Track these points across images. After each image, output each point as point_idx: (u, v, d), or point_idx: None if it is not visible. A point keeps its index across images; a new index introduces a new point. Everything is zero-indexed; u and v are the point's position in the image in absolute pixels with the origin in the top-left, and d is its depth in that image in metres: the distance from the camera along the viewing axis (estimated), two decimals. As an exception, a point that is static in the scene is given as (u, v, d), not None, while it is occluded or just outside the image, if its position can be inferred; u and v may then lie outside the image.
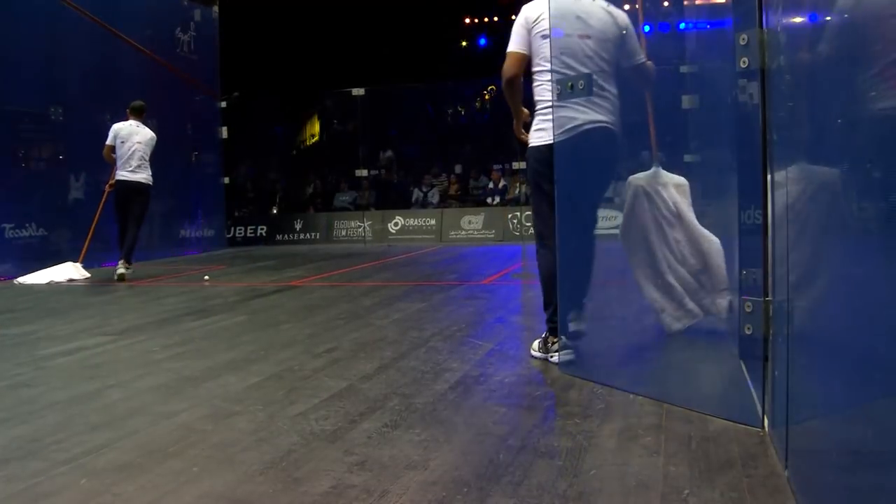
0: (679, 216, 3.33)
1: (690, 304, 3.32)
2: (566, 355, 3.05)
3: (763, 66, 2.15)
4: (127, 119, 7.50)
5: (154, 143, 7.51)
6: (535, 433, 2.25)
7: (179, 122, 10.62)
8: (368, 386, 2.84)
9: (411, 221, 12.42)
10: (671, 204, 3.32)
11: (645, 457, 2.01)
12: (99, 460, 2.12)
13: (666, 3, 4.20)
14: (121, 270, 7.15)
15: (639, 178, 3.35)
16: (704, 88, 3.56)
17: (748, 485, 1.80)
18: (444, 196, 13.69)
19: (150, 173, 7.48)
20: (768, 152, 2.15)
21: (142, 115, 7.56)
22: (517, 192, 12.45)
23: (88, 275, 7.49)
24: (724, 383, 2.76)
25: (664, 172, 3.36)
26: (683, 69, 3.88)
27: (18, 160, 8.49)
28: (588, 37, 3.01)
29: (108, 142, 7.40)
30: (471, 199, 13.52)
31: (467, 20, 17.70)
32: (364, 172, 13.10)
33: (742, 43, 2.19)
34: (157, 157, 7.67)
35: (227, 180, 11.91)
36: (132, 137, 7.38)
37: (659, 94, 3.56)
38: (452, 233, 12.07)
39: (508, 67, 3.19)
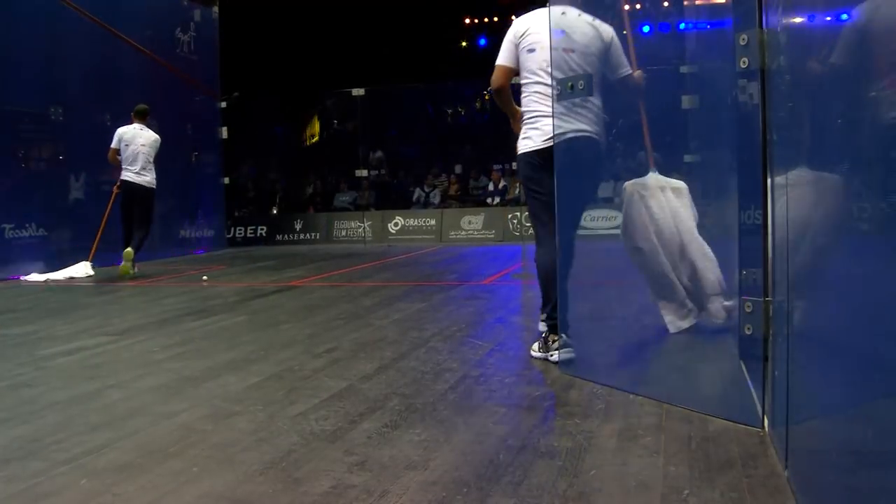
0: (674, 219, 3.35)
1: (691, 304, 3.34)
2: (566, 353, 3.07)
3: (763, 66, 2.15)
4: (131, 122, 7.67)
5: (158, 144, 7.68)
6: (535, 433, 2.25)
7: (179, 123, 10.61)
8: (368, 386, 2.84)
9: (411, 221, 12.42)
10: (666, 208, 3.35)
11: (645, 457, 2.01)
12: (99, 460, 2.12)
13: (666, 3, 4.20)
14: (133, 271, 7.37)
15: (634, 182, 3.42)
16: (704, 88, 3.56)
17: (748, 485, 1.80)
18: (444, 196, 13.69)
19: (155, 176, 7.64)
20: (768, 152, 2.15)
21: (146, 119, 7.72)
22: (517, 192, 12.45)
23: (92, 273, 7.63)
24: (724, 383, 2.76)
25: (661, 177, 3.40)
26: (683, 69, 3.88)
27: (18, 160, 8.49)
28: (572, 50, 3.14)
29: (113, 145, 7.59)
30: (471, 199, 13.52)
31: (467, 20, 17.69)
32: (364, 172, 13.10)
33: (742, 43, 2.19)
34: (157, 158, 7.77)
35: (227, 180, 11.90)
36: (136, 140, 7.56)
37: (659, 94, 3.57)
38: (452, 233, 12.07)
39: (496, 79, 3.39)
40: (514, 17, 3.56)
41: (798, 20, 1.85)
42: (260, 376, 3.07)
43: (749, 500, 1.72)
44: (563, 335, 3.10)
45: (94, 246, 7.93)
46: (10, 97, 7.84)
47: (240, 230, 12.88)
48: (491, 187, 13.33)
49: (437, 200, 13.54)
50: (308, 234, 12.72)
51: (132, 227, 7.53)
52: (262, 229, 12.92)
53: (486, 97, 16.39)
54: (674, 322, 3.35)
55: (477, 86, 15.61)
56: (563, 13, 3.20)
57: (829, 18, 1.52)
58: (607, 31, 3.23)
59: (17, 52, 7.74)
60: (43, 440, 2.32)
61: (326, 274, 7.41)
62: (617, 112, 3.44)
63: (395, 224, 12.39)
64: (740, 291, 2.39)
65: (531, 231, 3.65)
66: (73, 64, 8.54)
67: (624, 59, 3.25)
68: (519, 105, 3.41)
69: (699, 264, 3.34)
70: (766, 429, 2.16)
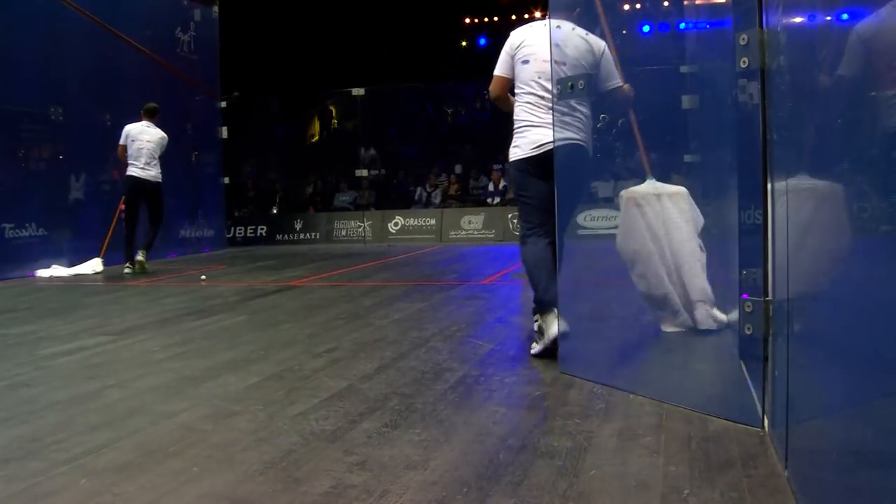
0: (667, 226, 3.37)
1: (685, 313, 3.35)
2: (563, 325, 3.13)
3: (763, 66, 2.14)
4: (140, 120, 7.93)
5: (164, 142, 7.95)
6: (535, 433, 2.25)
7: (179, 122, 10.61)
8: (368, 386, 2.84)
9: (411, 221, 12.42)
10: (661, 215, 3.39)
11: (645, 457, 2.01)
12: (99, 460, 2.12)
13: (666, 3, 4.20)
14: (139, 258, 7.75)
15: (631, 191, 3.48)
16: (704, 88, 3.56)
17: (748, 485, 1.80)
18: (445, 196, 13.69)
19: (160, 171, 7.88)
20: (768, 152, 2.15)
21: (154, 117, 8.04)
22: (516, 192, 12.43)
23: (101, 270, 7.91)
24: (724, 383, 2.76)
25: (658, 184, 3.45)
26: (683, 69, 3.89)
27: (18, 160, 8.49)
28: (563, 63, 3.28)
29: (121, 141, 7.85)
30: (471, 199, 13.52)
31: (467, 20, 17.69)
32: (364, 172, 13.10)
33: (742, 43, 2.19)
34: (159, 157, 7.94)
35: (227, 180, 11.90)
36: (141, 136, 7.82)
37: (659, 94, 3.59)
38: (452, 233, 12.07)
39: (493, 89, 3.64)
40: (513, 17, 3.71)
41: (798, 20, 1.85)
42: (260, 376, 3.07)
43: (749, 500, 1.72)
44: (554, 309, 3.16)
45: (106, 243, 8.19)
46: (10, 97, 7.84)
47: (240, 230, 12.88)
48: (491, 187, 13.33)
49: (437, 200, 13.55)
50: (308, 234, 12.71)
51: (136, 224, 7.80)
52: (262, 229, 12.92)
53: (487, 96, 16.40)
54: (667, 327, 3.38)
55: (477, 86, 15.57)
56: (557, 27, 3.34)
57: (829, 18, 1.52)
58: (599, 45, 3.38)
59: (17, 52, 7.74)
60: (43, 440, 2.32)
61: (326, 274, 7.41)
62: (613, 118, 3.58)
63: (395, 224, 12.39)
64: (740, 291, 2.39)
65: None
66: (73, 64, 8.54)
67: (615, 72, 3.41)
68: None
69: (688, 270, 3.38)
70: (766, 429, 2.16)
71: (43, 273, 7.74)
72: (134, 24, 9.49)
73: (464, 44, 17.83)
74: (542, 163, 3.36)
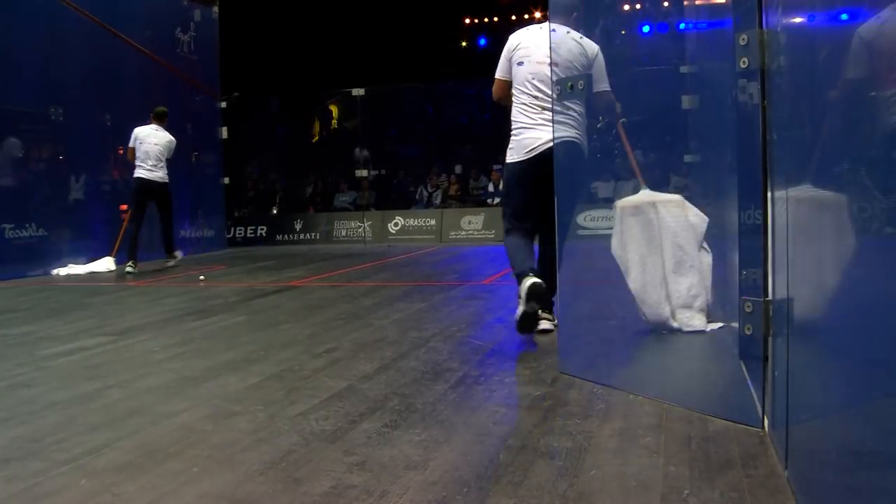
0: (661, 234, 3.40)
1: (675, 324, 3.36)
2: (538, 281, 3.36)
3: (763, 66, 2.14)
4: (150, 123, 8.16)
5: (172, 146, 8.20)
6: (535, 433, 2.25)
7: (179, 122, 10.59)
8: (368, 386, 2.84)
9: (411, 221, 12.42)
10: (655, 223, 3.43)
11: (645, 457, 2.01)
12: (99, 460, 2.12)
13: (666, 3, 4.21)
14: (170, 263, 8.33)
15: (626, 200, 3.55)
16: (704, 88, 3.57)
17: (748, 485, 1.80)
18: (445, 196, 13.69)
19: (167, 173, 8.14)
20: (768, 152, 2.15)
21: (163, 121, 8.22)
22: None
23: (114, 268, 8.11)
24: (724, 383, 2.76)
25: (653, 193, 3.51)
26: (683, 69, 3.89)
27: (18, 160, 8.49)
28: (556, 64, 3.37)
29: (130, 144, 8.09)
30: (471, 199, 13.52)
31: (467, 20, 17.69)
32: (364, 173, 13.10)
33: (742, 43, 2.19)
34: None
35: (227, 180, 11.90)
36: (149, 139, 8.05)
37: (659, 94, 3.61)
38: (452, 233, 12.07)
39: (494, 92, 3.82)
40: (513, 17, 3.81)
41: (798, 20, 1.85)
42: (260, 376, 3.07)
43: (749, 500, 1.73)
44: (530, 273, 3.43)
45: (118, 242, 8.32)
46: (10, 97, 7.84)
47: (240, 230, 12.87)
48: (491, 187, 13.33)
49: (438, 200, 13.55)
50: (308, 234, 12.71)
51: (141, 225, 8.04)
52: (262, 229, 12.91)
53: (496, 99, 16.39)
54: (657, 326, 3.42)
55: (477, 86, 15.59)
56: (553, 30, 3.44)
57: (829, 19, 1.52)
58: (592, 48, 3.51)
59: (17, 52, 7.74)
60: (43, 440, 2.32)
61: (326, 274, 7.41)
62: (612, 120, 3.69)
63: (395, 224, 12.39)
64: (740, 291, 2.39)
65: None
66: (73, 64, 8.53)
67: (605, 77, 3.54)
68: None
69: (676, 274, 3.40)
70: (766, 429, 2.16)
71: (61, 271, 7.95)
72: (134, 24, 9.49)
73: (464, 44, 17.84)
74: (533, 165, 3.56)
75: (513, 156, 3.65)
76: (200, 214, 11.21)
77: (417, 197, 13.75)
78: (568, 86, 3.22)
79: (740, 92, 2.47)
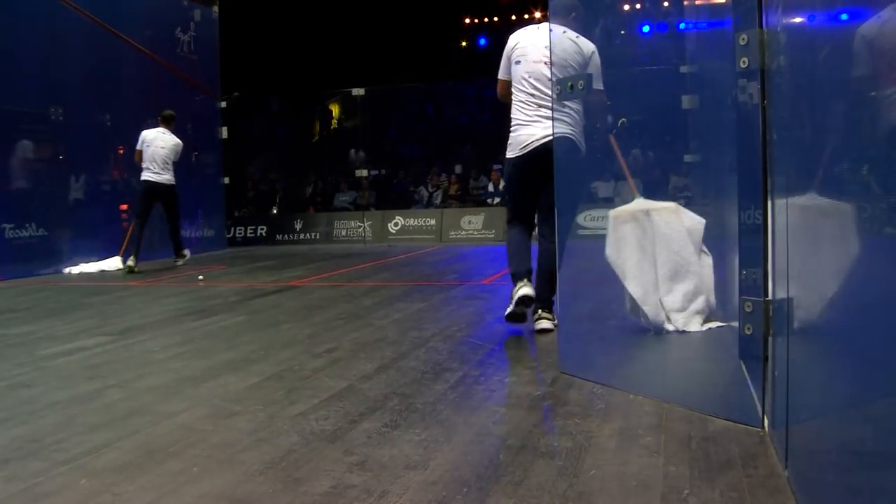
0: (656, 239, 3.41)
1: (672, 327, 3.37)
2: (530, 289, 3.62)
3: (763, 66, 2.14)
4: (158, 126, 8.33)
5: (179, 149, 8.34)
6: (535, 433, 2.25)
7: (179, 122, 10.57)
8: (368, 386, 2.84)
9: (411, 221, 12.42)
10: (651, 230, 3.44)
11: (645, 457, 2.01)
12: (99, 460, 2.12)
13: (666, 3, 4.21)
14: (178, 262, 8.49)
15: (619, 209, 3.59)
16: (704, 88, 3.57)
17: (748, 485, 1.80)
18: (445, 196, 13.69)
19: (173, 175, 8.30)
20: (768, 152, 2.15)
21: (170, 124, 8.38)
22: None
23: (123, 267, 8.11)
24: (724, 383, 2.76)
25: (647, 201, 3.54)
26: (683, 69, 3.89)
27: (18, 160, 8.49)
28: (553, 64, 3.47)
29: (138, 147, 8.24)
30: (471, 199, 13.52)
31: (467, 20, 17.70)
32: (364, 172, 13.09)
33: (742, 43, 2.19)
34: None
35: (227, 180, 11.90)
36: (156, 142, 8.21)
37: (659, 95, 3.62)
38: (452, 233, 12.07)
39: (498, 91, 3.96)
40: (513, 17, 3.89)
41: (798, 20, 1.85)
42: (260, 376, 3.07)
43: (749, 500, 1.72)
44: (524, 279, 3.66)
45: (126, 242, 8.43)
46: (10, 97, 7.84)
47: (240, 230, 12.87)
48: (491, 187, 13.33)
49: (438, 200, 13.55)
50: (308, 234, 12.71)
51: (145, 224, 8.17)
52: (262, 229, 12.91)
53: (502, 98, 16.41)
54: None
55: (477, 86, 15.62)
56: (550, 30, 3.52)
57: (828, 18, 1.52)
58: (588, 47, 3.59)
59: (17, 52, 7.74)
60: (43, 440, 2.32)
61: (326, 274, 7.41)
62: (615, 119, 3.84)
63: (395, 224, 12.39)
64: (740, 291, 2.39)
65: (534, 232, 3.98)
66: (73, 64, 8.53)
67: (599, 76, 3.62)
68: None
69: (670, 279, 3.42)
70: (766, 429, 2.16)
71: (73, 269, 8.11)
72: (134, 24, 9.49)
73: (464, 44, 17.84)
74: (526, 161, 3.73)
75: (510, 152, 3.81)
76: (200, 214, 11.21)
77: (416, 197, 13.75)
78: (568, 85, 3.27)
79: (740, 92, 2.47)
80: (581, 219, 4.46)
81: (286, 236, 12.76)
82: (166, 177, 8.22)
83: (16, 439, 2.34)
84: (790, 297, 1.85)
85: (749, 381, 2.49)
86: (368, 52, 15.21)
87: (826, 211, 1.53)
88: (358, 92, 12.41)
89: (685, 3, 4.04)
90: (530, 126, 3.70)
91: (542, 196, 3.73)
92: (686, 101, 3.68)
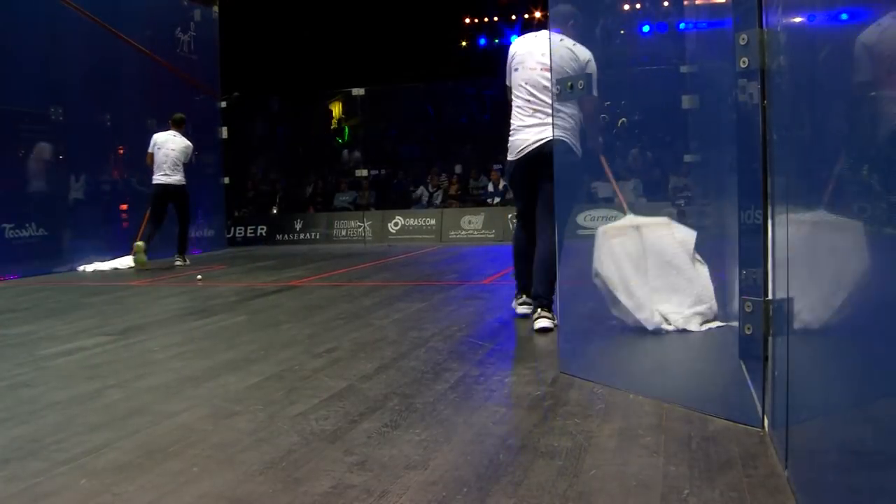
0: (647, 252, 3.43)
1: (671, 327, 3.39)
2: (525, 309, 4.02)
3: (763, 66, 2.14)
4: (168, 129, 8.52)
5: (189, 151, 8.54)
6: (535, 433, 2.25)
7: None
8: (368, 386, 2.84)
9: (411, 221, 12.42)
10: (639, 245, 3.49)
11: (645, 457, 2.01)
12: (99, 460, 2.12)
13: (666, 3, 4.21)
14: (178, 262, 8.54)
15: (609, 226, 3.65)
16: (704, 88, 3.57)
17: (748, 485, 1.80)
18: (445, 196, 13.69)
19: (184, 176, 8.52)
20: (768, 152, 2.15)
21: (181, 127, 8.58)
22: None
23: (134, 265, 8.26)
24: (724, 383, 2.76)
25: (637, 217, 3.61)
26: (683, 69, 3.90)
27: (18, 160, 8.49)
28: (548, 70, 3.58)
29: (149, 149, 8.45)
30: (471, 199, 13.52)
31: (467, 20, 17.69)
32: (364, 172, 13.09)
33: (742, 43, 2.19)
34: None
35: (227, 180, 11.89)
36: (166, 145, 8.41)
37: (659, 95, 3.63)
38: (452, 233, 12.07)
39: (507, 96, 4.06)
40: (513, 17, 4.00)
41: (798, 20, 1.85)
42: (260, 376, 3.07)
43: (749, 500, 1.73)
44: (522, 295, 4.06)
45: (137, 241, 8.54)
46: (10, 97, 7.83)
47: (240, 230, 12.87)
48: (491, 187, 13.33)
49: (438, 200, 13.55)
50: (308, 234, 12.71)
51: (157, 224, 8.40)
52: (262, 229, 12.91)
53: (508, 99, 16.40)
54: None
55: (477, 86, 15.62)
56: (547, 38, 3.63)
57: (828, 18, 1.52)
58: (585, 54, 3.67)
59: (17, 52, 7.73)
60: (43, 440, 2.32)
61: (326, 274, 7.41)
62: (613, 119, 3.92)
63: (395, 224, 12.39)
64: (740, 291, 2.39)
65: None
66: (73, 64, 8.53)
67: (594, 84, 3.68)
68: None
69: (662, 289, 3.44)
70: (766, 429, 2.16)
71: (87, 268, 8.31)
72: (134, 24, 9.49)
73: (464, 44, 17.83)
74: (521, 164, 3.90)
75: (509, 155, 4.00)
76: (200, 214, 11.20)
77: (415, 197, 13.74)
78: (568, 85, 3.32)
79: (740, 92, 2.47)
80: (581, 219, 4.47)
81: (286, 236, 12.76)
82: (177, 178, 8.43)
83: (16, 439, 2.34)
84: (790, 297, 1.85)
85: (749, 381, 2.49)
86: (368, 52, 15.20)
87: (826, 211, 1.53)
88: (358, 92, 12.41)
89: (685, 3, 4.04)
90: (524, 131, 3.87)
91: (539, 197, 3.88)
92: (686, 101, 3.68)
